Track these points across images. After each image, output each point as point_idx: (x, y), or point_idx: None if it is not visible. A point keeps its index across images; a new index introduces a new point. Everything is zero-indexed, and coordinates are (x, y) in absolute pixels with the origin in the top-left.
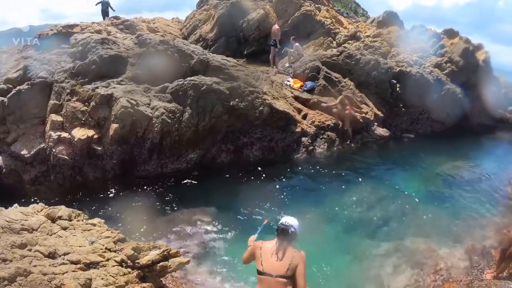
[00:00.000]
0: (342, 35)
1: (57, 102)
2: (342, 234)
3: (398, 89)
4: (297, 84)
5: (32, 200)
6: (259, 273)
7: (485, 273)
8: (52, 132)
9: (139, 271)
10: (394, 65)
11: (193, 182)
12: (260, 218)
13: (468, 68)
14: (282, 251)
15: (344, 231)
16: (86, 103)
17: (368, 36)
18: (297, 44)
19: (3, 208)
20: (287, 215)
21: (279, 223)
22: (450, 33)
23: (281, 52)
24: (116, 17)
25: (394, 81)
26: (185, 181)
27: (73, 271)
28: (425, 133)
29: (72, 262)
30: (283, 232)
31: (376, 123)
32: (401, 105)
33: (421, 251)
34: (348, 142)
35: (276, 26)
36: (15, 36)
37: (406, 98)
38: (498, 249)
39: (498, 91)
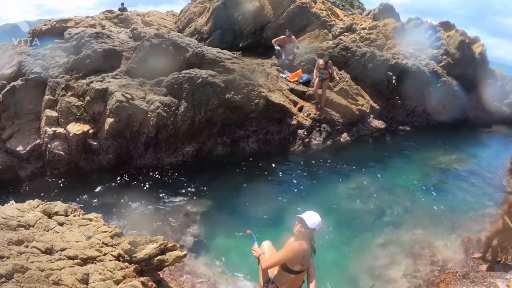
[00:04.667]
0: (338, 27)
1: (52, 97)
2: (339, 225)
3: (394, 81)
4: (295, 78)
5: (29, 196)
6: (296, 272)
7: (474, 255)
8: (47, 128)
9: (136, 265)
10: (390, 57)
11: (190, 174)
12: (257, 213)
13: (464, 61)
14: (312, 247)
15: (341, 222)
16: (81, 98)
17: (364, 29)
18: (293, 37)
19: None
20: (310, 210)
21: (310, 224)
22: (446, 26)
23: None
24: (110, 11)
25: (390, 74)
26: (182, 174)
27: (70, 266)
28: (421, 126)
29: (69, 258)
30: (314, 235)
31: (372, 115)
32: (397, 97)
33: (418, 242)
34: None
35: (283, 37)
36: (10, 31)
37: (402, 90)
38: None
39: (494, 84)
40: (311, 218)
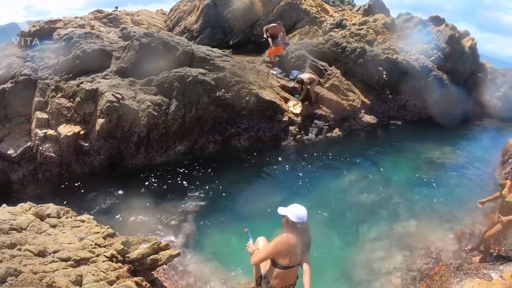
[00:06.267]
0: (328, 23)
1: (42, 99)
2: (333, 219)
3: (384, 76)
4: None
5: (21, 199)
6: (283, 267)
7: (467, 247)
8: (38, 130)
9: (129, 265)
10: (380, 52)
11: (182, 173)
12: (251, 209)
13: (454, 55)
14: (303, 243)
15: (335, 216)
16: (71, 99)
17: (354, 24)
18: (282, 28)
19: None
20: (295, 204)
21: (295, 221)
22: (437, 21)
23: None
24: (99, 11)
25: (381, 69)
26: (174, 172)
27: (63, 268)
28: (412, 120)
29: (62, 260)
30: (305, 229)
31: (363, 110)
32: (388, 92)
33: (412, 235)
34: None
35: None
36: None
37: (392, 85)
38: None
39: (484, 78)
40: (294, 211)
